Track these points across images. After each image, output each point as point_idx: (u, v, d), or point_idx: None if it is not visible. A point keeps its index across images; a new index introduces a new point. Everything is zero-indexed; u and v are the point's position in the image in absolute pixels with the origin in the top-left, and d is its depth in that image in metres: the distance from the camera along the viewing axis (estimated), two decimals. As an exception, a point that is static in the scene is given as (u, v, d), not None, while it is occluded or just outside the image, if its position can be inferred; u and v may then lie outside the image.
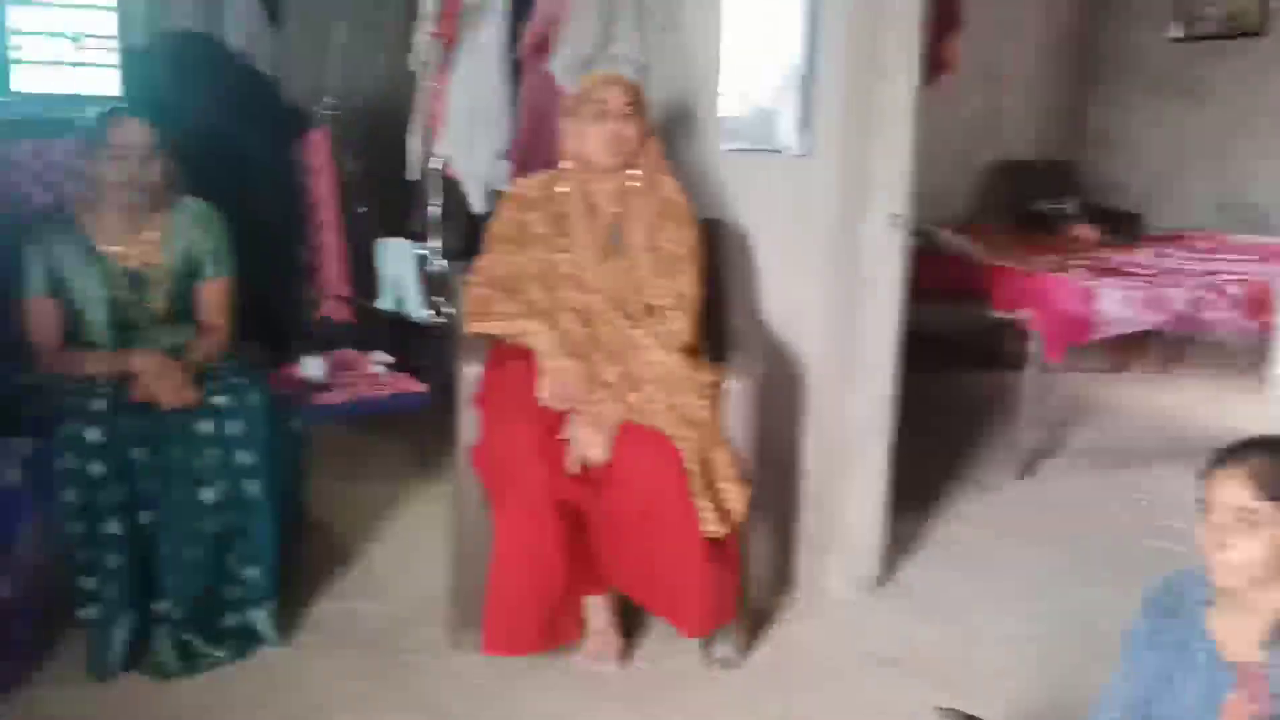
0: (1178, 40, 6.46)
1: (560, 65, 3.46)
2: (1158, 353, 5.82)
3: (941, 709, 1.97)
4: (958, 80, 6.25)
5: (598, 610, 2.69)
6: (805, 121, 2.94)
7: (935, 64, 4.34)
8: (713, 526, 2.49)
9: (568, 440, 2.53)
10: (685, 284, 2.74)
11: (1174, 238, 5.60)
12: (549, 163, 2.98)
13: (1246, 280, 4.43)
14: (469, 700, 2.55)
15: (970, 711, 2.01)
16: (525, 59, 3.65)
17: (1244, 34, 6.12)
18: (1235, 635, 1.84)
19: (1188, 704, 1.86)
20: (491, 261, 2.80)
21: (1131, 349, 5.78)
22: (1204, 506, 1.79)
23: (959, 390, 5.40)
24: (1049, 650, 2.83)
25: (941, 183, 6.46)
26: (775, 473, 3.11)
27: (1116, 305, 4.08)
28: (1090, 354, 5.46)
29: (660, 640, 2.80)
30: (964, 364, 5.59)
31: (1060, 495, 4.04)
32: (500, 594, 2.50)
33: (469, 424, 2.67)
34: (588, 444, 2.52)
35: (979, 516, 3.82)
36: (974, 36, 6.22)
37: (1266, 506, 1.73)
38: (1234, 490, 1.75)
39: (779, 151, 3.05)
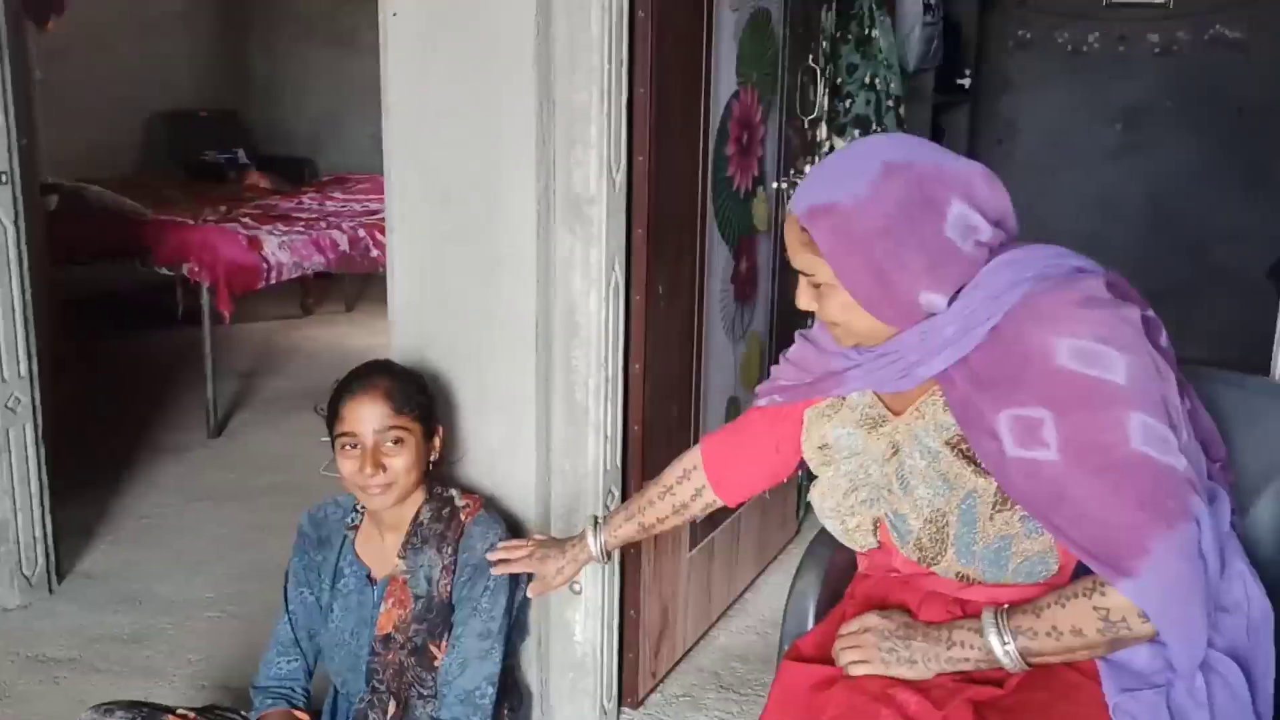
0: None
1: None
2: (342, 293, 6.07)
3: (96, 707, 1.81)
4: (107, 26, 5.83)
5: None
6: None
7: (48, 6, 3.93)
8: None
9: None
10: None
11: (338, 180, 5.83)
12: None
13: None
14: None
15: (136, 699, 1.89)
16: None
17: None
18: (380, 553, 1.96)
19: (348, 625, 1.94)
20: None
21: (315, 292, 5.96)
22: (347, 436, 1.83)
23: (142, 353, 5.12)
24: (239, 609, 2.81)
25: (100, 136, 6.00)
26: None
27: (280, 251, 4.14)
28: (279, 300, 5.53)
29: None
30: (143, 324, 5.30)
31: (254, 448, 4.02)
32: None
33: None
34: None
35: (172, 484, 3.66)
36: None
37: (405, 419, 1.84)
38: (375, 413, 1.83)
39: None
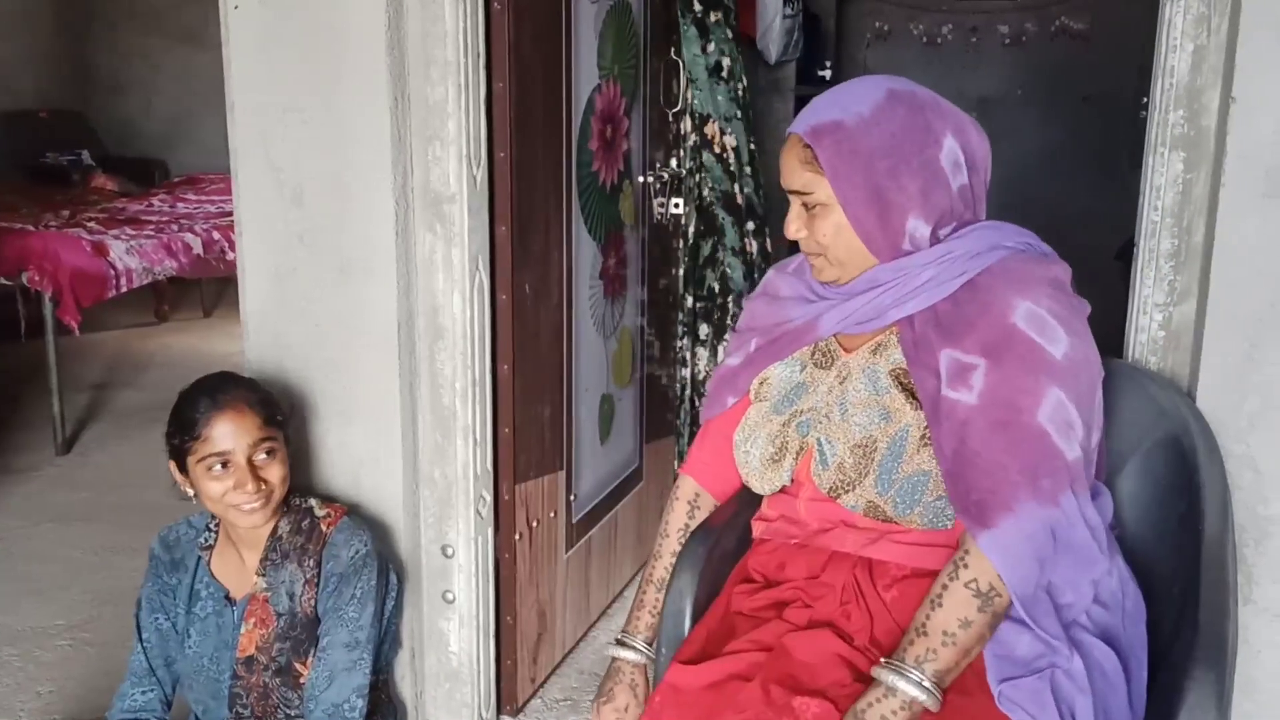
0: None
1: None
2: (199, 298, 5.84)
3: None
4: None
5: None
6: None
7: None
8: None
9: None
10: None
11: (189, 181, 5.60)
12: None
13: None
14: None
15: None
16: None
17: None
18: (238, 572, 1.87)
19: (207, 650, 1.85)
20: None
21: (170, 298, 5.72)
22: (215, 456, 1.73)
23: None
24: (92, 636, 2.65)
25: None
26: None
27: (129, 256, 3.95)
28: (131, 307, 5.28)
29: None
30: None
31: (106, 464, 3.83)
32: None
33: None
34: None
35: (17, 506, 3.46)
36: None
37: (273, 429, 1.77)
38: (246, 426, 1.74)
39: None
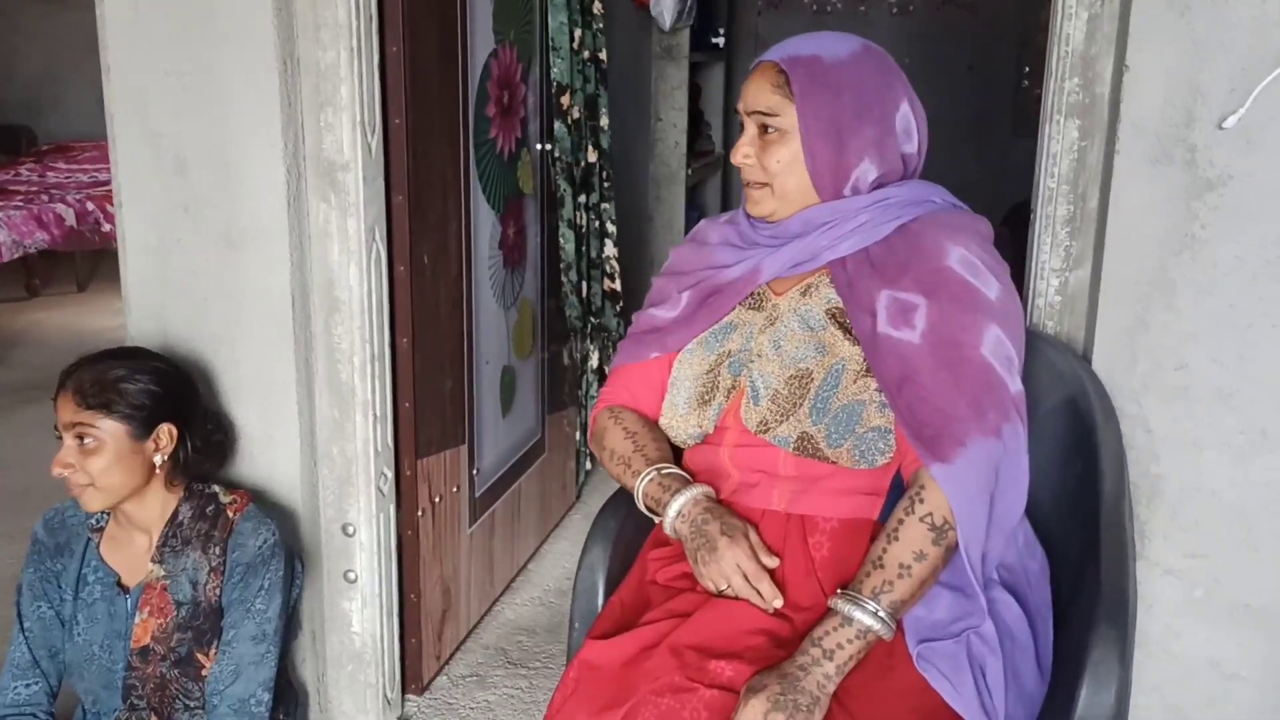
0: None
1: None
2: (73, 271, 5.57)
3: None
4: None
5: None
6: None
7: None
8: None
9: None
10: None
11: (60, 149, 5.34)
12: None
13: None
14: None
15: None
16: None
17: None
18: (130, 557, 1.79)
19: (96, 638, 1.76)
20: None
21: (41, 272, 5.45)
22: (56, 427, 1.67)
23: None
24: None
25: None
26: None
27: (-5, 228, 3.74)
28: (-4, 283, 5.03)
29: None
30: None
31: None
32: None
33: None
34: None
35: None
36: None
37: (90, 416, 1.65)
38: (64, 406, 1.67)
39: None
